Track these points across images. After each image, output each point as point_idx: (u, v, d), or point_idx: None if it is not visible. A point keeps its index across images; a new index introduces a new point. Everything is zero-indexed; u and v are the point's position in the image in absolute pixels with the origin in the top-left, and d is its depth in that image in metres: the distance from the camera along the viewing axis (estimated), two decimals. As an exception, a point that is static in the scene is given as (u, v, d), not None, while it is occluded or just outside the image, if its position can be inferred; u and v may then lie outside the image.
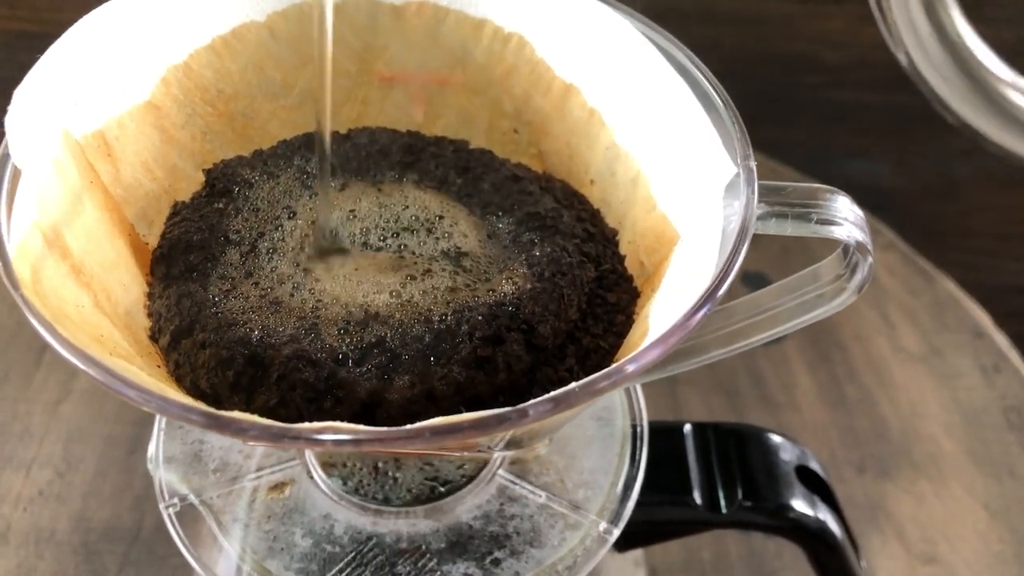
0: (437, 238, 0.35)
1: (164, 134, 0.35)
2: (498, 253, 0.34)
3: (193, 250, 0.33)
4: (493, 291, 0.31)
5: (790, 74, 0.84)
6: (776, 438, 0.44)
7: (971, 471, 0.59)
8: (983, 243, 0.87)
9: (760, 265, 0.61)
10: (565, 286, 0.32)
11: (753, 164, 0.30)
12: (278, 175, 0.36)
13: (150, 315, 0.32)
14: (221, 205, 0.35)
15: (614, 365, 0.25)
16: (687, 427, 0.44)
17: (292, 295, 0.32)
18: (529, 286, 0.31)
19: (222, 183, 0.36)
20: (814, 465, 0.44)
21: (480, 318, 0.30)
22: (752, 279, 0.26)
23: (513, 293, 0.31)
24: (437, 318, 0.31)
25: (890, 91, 0.77)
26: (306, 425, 0.24)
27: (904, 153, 0.85)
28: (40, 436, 0.58)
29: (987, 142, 0.46)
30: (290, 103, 0.38)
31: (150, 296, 0.32)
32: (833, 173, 0.84)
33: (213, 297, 0.31)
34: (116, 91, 0.33)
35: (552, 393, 0.24)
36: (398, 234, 0.35)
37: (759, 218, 0.30)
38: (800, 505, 0.42)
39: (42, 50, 0.32)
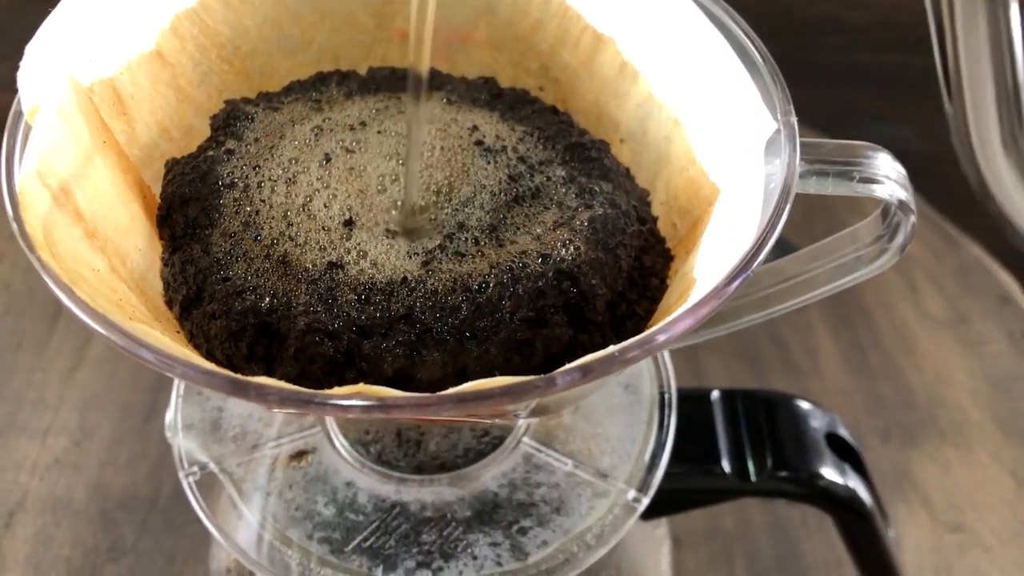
0: (470, 165, 0.31)
1: (180, 93, 0.34)
2: (545, 197, 0.31)
3: (189, 203, 0.31)
4: (547, 256, 0.29)
5: (813, 35, 0.82)
6: (805, 405, 0.43)
7: (998, 439, 0.58)
8: (1009, 207, 0.85)
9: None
10: (623, 257, 0.29)
11: (794, 120, 0.29)
12: (280, 108, 0.34)
13: (163, 281, 0.31)
14: (212, 150, 0.32)
15: (646, 333, 0.24)
16: (715, 394, 0.43)
17: (299, 248, 0.29)
18: (593, 255, 0.29)
19: (221, 120, 0.34)
20: (843, 432, 0.43)
21: (523, 294, 0.27)
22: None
23: (572, 260, 0.28)
24: (476, 286, 0.28)
25: (914, 52, 0.75)
26: (334, 390, 0.23)
27: (929, 115, 0.83)
28: (55, 404, 0.57)
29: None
30: (308, 59, 0.37)
31: (162, 260, 0.31)
32: (857, 136, 0.83)
33: (217, 260, 0.29)
34: (126, 36, 0.32)
35: (581, 361, 0.23)
36: (424, 154, 0.31)
37: (799, 176, 0.28)
38: (830, 473, 0.41)
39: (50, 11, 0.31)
